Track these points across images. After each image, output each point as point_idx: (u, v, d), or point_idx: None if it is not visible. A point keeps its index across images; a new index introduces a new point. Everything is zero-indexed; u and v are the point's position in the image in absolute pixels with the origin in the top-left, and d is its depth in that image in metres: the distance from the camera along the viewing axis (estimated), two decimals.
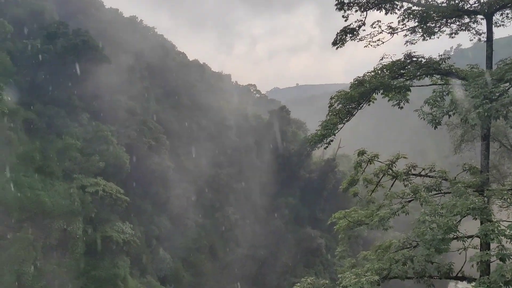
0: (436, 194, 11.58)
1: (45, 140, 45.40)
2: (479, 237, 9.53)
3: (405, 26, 13.49)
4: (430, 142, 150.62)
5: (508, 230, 8.84)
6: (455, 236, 9.86)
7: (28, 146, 43.05)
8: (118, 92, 57.03)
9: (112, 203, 44.68)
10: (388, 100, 12.61)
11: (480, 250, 10.25)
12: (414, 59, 12.65)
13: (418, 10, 13.25)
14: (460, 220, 9.62)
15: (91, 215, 42.83)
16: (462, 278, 10.90)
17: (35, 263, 37.78)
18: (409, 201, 11.65)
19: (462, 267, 10.88)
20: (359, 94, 11.99)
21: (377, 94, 12.16)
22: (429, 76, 12.50)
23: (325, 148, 13.56)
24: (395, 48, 15.57)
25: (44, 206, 39.59)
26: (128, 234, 44.69)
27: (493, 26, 12.51)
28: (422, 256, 10.31)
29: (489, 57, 12.04)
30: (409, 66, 12.59)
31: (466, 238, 10.49)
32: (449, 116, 10.14)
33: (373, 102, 13.18)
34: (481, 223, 9.73)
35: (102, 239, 42.40)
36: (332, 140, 12.68)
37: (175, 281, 50.39)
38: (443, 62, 12.40)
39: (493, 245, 9.65)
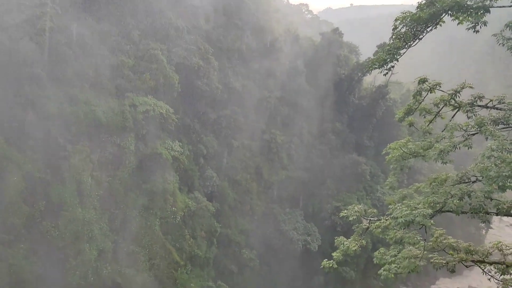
0: (504, 128, 10.75)
1: (98, 56, 46.19)
2: None
3: None
4: (491, 71, 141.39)
5: None
6: None
7: (82, 61, 44.09)
8: (168, 10, 56.16)
9: (162, 121, 45.94)
10: (458, 23, 11.45)
11: None
12: None
13: None
14: None
15: (142, 132, 44.42)
16: None
17: (92, 174, 40.38)
18: (473, 135, 10.93)
19: None
20: (429, 15, 10.89)
21: (448, 16, 11.00)
22: None
23: (384, 75, 12.75)
24: None
25: (99, 121, 41.33)
26: (177, 152, 46.33)
27: None
28: (481, 192, 9.83)
29: None
30: None
31: None
32: None
33: (440, 25, 12.05)
34: None
35: (152, 155, 44.25)
36: (393, 66, 11.86)
37: (220, 198, 52.64)
38: None
39: None
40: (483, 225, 75.95)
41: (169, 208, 44.14)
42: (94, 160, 40.80)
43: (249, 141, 57.51)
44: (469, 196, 10.06)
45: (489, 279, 13.41)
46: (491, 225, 78.49)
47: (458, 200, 10.11)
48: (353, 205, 13.18)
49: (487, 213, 10.49)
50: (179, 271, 44.77)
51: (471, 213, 10.36)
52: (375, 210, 12.96)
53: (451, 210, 10.21)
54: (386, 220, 11.59)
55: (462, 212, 10.52)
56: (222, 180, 53.29)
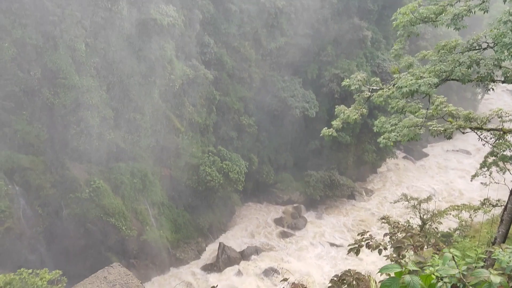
0: None
1: None
2: None
3: None
4: None
5: None
6: None
7: None
8: None
9: None
10: None
11: None
12: None
13: None
14: None
15: None
16: None
17: (85, 41, 39.11)
18: None
19: None
20: None
21: None
22: None
23: None
24: None
25: None
26: (172, 18, 44.24)
27: None
28: (491, 60, 9.50)
29: None
30: None
31: None
32: None
33: None
34: None
35: (147, 21, 42.33)
36: None
37: (219, 65, 51.91)
38: None
39: None
40: (479, 90, 76.75)
41: (167, 76, 43.79)
42: (86, 26, 39.15)
43: (248, 5, 54.52)
44: (478, 64, 9.76)
45: (483, 145, 13.81)
46: (487, 91, 79.15)
47: (466, 68, 9.83)
48: (356, 73, 12.90)
49: (494, 81, 10.31)
50: (181, 137, 46.31)
51: (478, 81, 10.18)
52: (377, 79, 12.72)
53: (458, 78, 9.99)
54: (389, 89, 11.43)
55: (468, 81, 10.32)
56: (220, 48, 51.94)
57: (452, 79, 10.23)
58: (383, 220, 37.40)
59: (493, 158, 25.31)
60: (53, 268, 33.45)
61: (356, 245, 5.36)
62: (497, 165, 25.39)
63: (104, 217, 38.06)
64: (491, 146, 13.84)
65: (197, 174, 46.02)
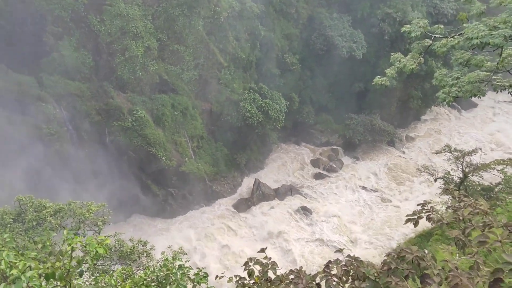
0: None
1: None
2: None
3: None
4: None
5: None
6: None
7: None
8: None
9: None
10: None
11: None
12: None
13: None
14: None
15: None
16: None
17: None
18: None
19: None
20: None
21: None
22: None
23: None
24: None
25: None
26: None
27: None
28: None
29: None
30: None
31: None
32: None
33: None
34: None
35: None
36: None
37: None
38: None
39: None
40: None
41: (212, 7, 42.62)
42: None
43: None
44: None
45: None
46: None
47: None
48: (417, 19, 11.87)
49: None
50: (223, 72, 45.91)
51: None
52: (441, 26, 11.68)
53: None
54: (454, 38, 10.49)
55: None
56: None
57: None
58: (422, 170, 36.71)
59: None
60: (97, 193, 35.37)
61: (415, 216, 5.05)
62: None
63: (145, 146, 39.18)
64: None
65: (237, 110, 46.02)
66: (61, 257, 5.74)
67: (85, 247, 5.90)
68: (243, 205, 45.76)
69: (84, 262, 5.95)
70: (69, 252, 5.73)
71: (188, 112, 42.81)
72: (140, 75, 39.81)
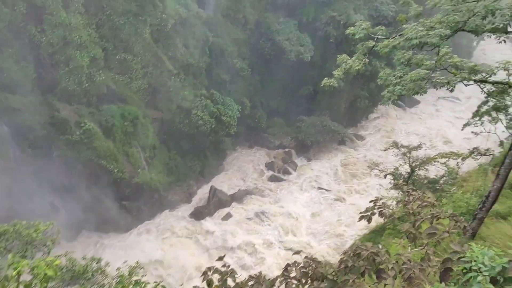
0: None
1: None
2: None
3: None
4: None
5: None
6: None
7: None
8: None
9: None
10: None
11: None
12: None
13: None
14: None
15: None
16: None
17: None
18: None
19: None
20: None
21: None
22: None
23: None
24: None
25: None
26: None
27: None
28: (508, 10, 9.01)
29: None
30: None
31: None
32: None
33: None
34: None
35: None
36: None
37: (212, 5, 49.99)
38: None
39: None
40: (476, 37, 75.44)
41: (158, 15, 42.04)
42: None
43: None
44: (493, 14, 9.27)
45: (485, 98, 13.59)
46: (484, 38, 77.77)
47: (481, 19, 9.36)
48: (360, 21, 12.29)
49: (507, 32, 9.88)
50: (173, 79, 45.33)
51: (490, 32, 9.73)
52: (383, 28, 12.15)
53: (472, 30, 9.54)
54: (395, 39, 10.94)
55: (482, 32, 9.86)
56: None
57: (465, 30, 9.78)
58: (373, 168, 37.85)
59: (486, 107, 25.01)
60: (45, 210, 33.77)
61: (368, 213, 5.18)
62: (490, 115, 25.17)
63: (95, 159, 37.94)
64: (486, 96, 13.57)
65: (189, 117, 45.57)
66: (6, 283, 5.40)
67: (33, 270, 5.58)
68: (200, 213, 45.28)
69: (33, 286, 5.63)
70: (15, 277, 5.39)
71: (139, 122, 41.88)
72: (86, 86, 38.52)
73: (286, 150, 56.75)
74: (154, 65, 43.80)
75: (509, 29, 10.22)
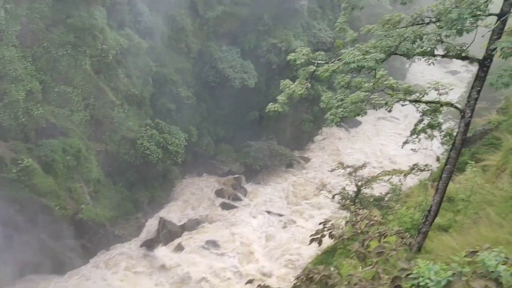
0: None
1: None
2: None
3: None
4: None
5: None
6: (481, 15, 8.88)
7: None
8: None
9: None
10: None
11: None
12: None
13: None
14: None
15: None
16: (468, 58, 10.52)
17: (5, 7, 35.71)
18: None
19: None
20: None
21: None
22: None
23: None
24: None
25: None
26: None
27: None
28: (434, 35, 9.66)
29: None
30: None
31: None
32: None
33: None
34: None
35: None
36: None
37: (154, 35, 49.81)
38: None
39: None
40: (408, 60, 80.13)
41: (99, 46, 41.27)
42: None
43: None
44: (421, 39, 9.92)
45: (421, 116, 14.35)
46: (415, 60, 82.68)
47: (411, 43, 9.96)
48: (300, 48, 12.68)
49: (434, 55, 10.57)
50: (116, 110, 44.30)
51: (420, 55, 10.38)
52: (322, 53, 12.64)
53: (403, 53, 10.12)
54: (335, 64, 11.40)
55: (414, 55, 10.47)
56: (155, 16, 49.69)
57: (397, 54, 10.38)
58: (321, 189, 38.60)
59: (422, 125, 26.25)
60: None
61: (319, 235, 5.22)
62: (425, 132, 26.43)
63: (35, 197, 35.96)
64: (421, 114, 14.33)
65: (134, 148, 44.54)
66: None
67: None
68: (148, 247, 43.81)
69: None
70: None
71: (81, 155, 40.31)
72: (23, 120, 36.77)
73: (236, 176, 56.61)
74: (96, 97, 42.66)
75: (436, 52, 11.00)
